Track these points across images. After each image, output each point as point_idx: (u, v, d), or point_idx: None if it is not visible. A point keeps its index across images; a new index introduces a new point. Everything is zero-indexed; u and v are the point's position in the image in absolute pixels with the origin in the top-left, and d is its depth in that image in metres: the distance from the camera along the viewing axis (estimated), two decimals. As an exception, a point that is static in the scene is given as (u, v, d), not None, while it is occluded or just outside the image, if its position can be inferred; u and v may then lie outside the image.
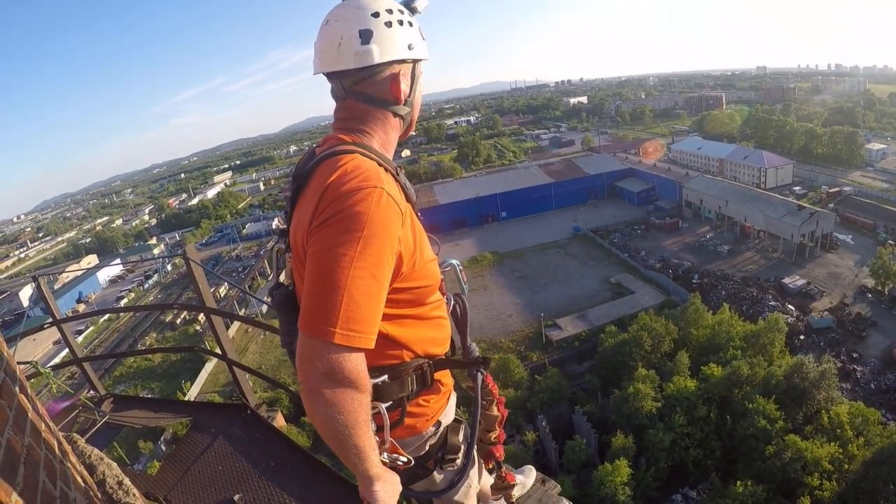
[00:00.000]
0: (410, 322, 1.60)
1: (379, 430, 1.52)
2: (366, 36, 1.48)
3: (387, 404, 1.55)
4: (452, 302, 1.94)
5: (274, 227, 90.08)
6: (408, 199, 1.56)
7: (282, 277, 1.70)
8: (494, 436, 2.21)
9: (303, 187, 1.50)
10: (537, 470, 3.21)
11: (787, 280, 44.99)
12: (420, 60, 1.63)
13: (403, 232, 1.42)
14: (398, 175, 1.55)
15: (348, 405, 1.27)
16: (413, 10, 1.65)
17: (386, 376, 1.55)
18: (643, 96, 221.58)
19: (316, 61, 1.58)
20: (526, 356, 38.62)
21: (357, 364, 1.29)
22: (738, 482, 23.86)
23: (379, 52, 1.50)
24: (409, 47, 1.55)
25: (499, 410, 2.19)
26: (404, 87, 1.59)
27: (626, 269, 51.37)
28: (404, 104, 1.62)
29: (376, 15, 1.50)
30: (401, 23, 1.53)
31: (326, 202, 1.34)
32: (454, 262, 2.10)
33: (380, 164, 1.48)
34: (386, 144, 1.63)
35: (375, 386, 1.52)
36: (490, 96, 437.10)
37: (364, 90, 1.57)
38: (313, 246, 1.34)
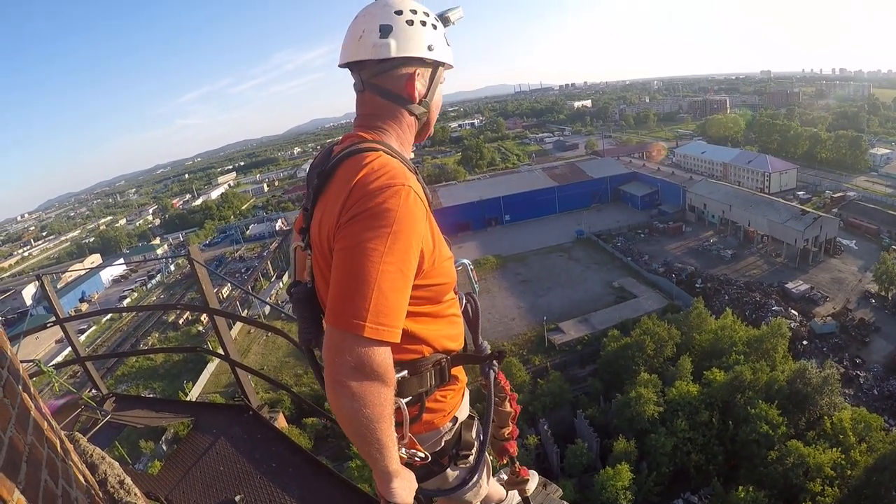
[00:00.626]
0: (427, 319, 1.61)
1: (398, 425, 1.52)
2: (385, 30, 1.52)
3: (406, 399, 1.56)
4: (464, 301, 1.96)
5: (278, 228, 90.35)
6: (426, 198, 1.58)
7: (301, 275, 1.71)
8: (507, 432, 2.23)
9: (325, 185, 1.51)
10: (539, 474, 3.21)
11: (790, 285, 44.84)
12: (441, 64, 1.65)
13: (426, 230, 1.45)
14: (417, 174, 1.57)
15: (375, 398, 1.27)
16: (446, 21, 1.68)
17: (406, 371, 1.56)
18: (647, 100, 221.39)
19: (341, 53, 1.62)
20: (528, 360, 38.57)
21: (385, 357, 1.30)
22: (740, 487, 23.81)
23: (395, 47, 1.53)
24: (430, 48, 1.57)
25: (511, 406, 2.21)
26: (420, 86, 1.61)
27: (630, 274, 51.27)
28: (420, 104, 1.63)
29: (399, 13, 1.54)
30: (423, 23, 1.56)
31: (355, 199, 1.35)
32: (465, 261, 2.11)
33: (402, 162, 1.50)
34: (403, 143, 1.65)
35: (397, 381, 1.53)
36: (494, 99, 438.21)
37: (380, 83, 1.59)
38: (341, 241, 1.35)
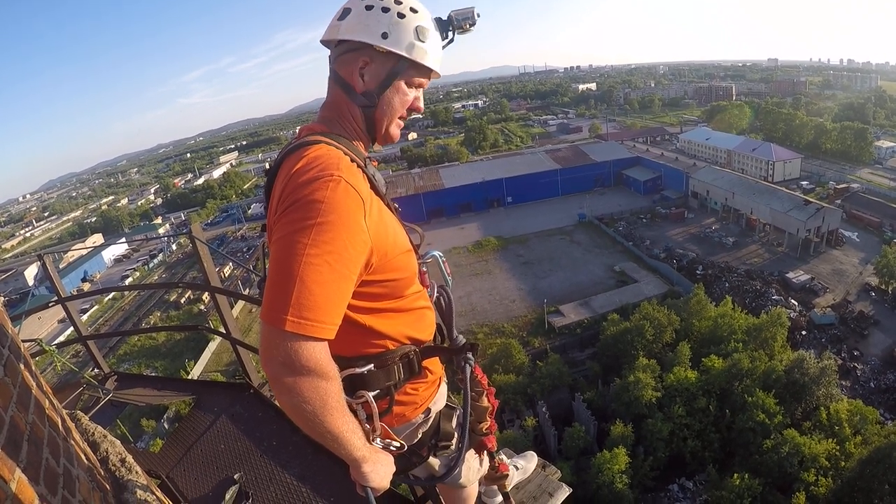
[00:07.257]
0: (391, 314, 1.58)
1: (368, 418, 1.52)
2: (344, 13, 1.50)
3: (374, 393, 1.54)
4: (436, 294, 1.92)
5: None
6: (376, 191, 1.53)
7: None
8: (485, 426, 2.19)
9: (274, 180, 1.49)
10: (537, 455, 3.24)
11: (790, 275, 44.78)
12: (403, 59, 1.53)
13: (370, 222, 1.39)
14: (366, 166, 1.52)
15: (311, 394, 1.24)
16: (453, 24, 1.64)
17: (372, 365, 1.55)
18: (652, 85, 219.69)
19: None
20: (528, 342, 38.70)
21: (314, 352, 1.25)
22: (735, 475, 24.00)
23: (345, 29, 1.50)
24: (384, 36, 1.48)
25: (489, 401, 2.17)
26: (368, 77, 1.54)
27: (631, 258, 51.24)
28: (363, 95, 1.56)
29: None
30: (385, 10, 1.48)
31: (287, 192, 1.33)
32: (436, 253, 2.04)
33: (346, 154, 1.46)
34: (352, 134, 1.61)
35: (361, 375, 1.53)
36: (498, 80, 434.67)
37: (336, 68, 1.57)
38: (273, 235, 1.33)
